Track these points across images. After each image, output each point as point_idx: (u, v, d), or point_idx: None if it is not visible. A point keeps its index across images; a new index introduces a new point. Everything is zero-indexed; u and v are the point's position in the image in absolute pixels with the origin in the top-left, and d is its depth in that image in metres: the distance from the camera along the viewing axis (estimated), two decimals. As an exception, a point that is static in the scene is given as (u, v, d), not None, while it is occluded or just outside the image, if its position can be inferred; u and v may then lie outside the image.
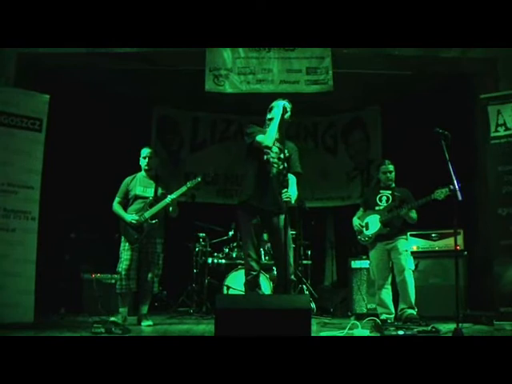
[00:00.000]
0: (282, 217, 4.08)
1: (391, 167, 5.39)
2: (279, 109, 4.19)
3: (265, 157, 4.20)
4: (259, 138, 4.17)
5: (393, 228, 5.21)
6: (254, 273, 4.16)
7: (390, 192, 5.34)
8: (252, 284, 4.21)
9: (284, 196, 3.96)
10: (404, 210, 5.09)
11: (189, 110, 8.16)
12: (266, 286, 5.99)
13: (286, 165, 4.18)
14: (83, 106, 6.47)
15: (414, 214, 5.16)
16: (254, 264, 4.15)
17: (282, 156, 4.19)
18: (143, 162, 5.21)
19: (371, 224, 5.30)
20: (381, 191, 5.39)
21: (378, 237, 5.26)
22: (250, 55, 5.69)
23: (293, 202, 4.07)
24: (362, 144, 8.02)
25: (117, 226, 5.16)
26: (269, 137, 4.14)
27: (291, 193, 4.10)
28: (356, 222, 5.43)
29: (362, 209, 5.56)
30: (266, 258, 6.36)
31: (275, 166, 4.16)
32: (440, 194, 4.74)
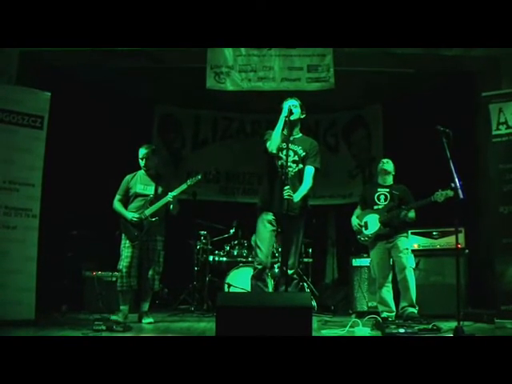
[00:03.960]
0: (297, 219, 4.17)
1: (387, 166, 5.37)
2: (283, 111, 4.20)
3: (278, 162, 4.23)
4: (267, 145, 4.21)
5: (392, 227, 5.20)
6: (260, 266, 4.20)
7: (387, 190, 5.33)
8: (257, 279, 4.24)
9: (285, 194, 3.97)
10: (403, 213, 5.10)
11: (190, 108, 8.16)
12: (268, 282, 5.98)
13: (301, 165, 4.23)
14: (85, 103, 6.47)
15: (412, 214, 5.17)
16: (261, 256, 4.19)
17: (296, 158, 4.22)
18: (141, 163, 5.22)
19: (370, 224, 5.29)
20: (378, 189, 5.38)
21: (378, 236, 5.25)
22: (251, 53, 5.68)
23: (296, 199, 4.08)
24: (363, 142, 8.02)
25: (117, 224, 5.17)
26: (272, 143, 4.17)
27: (304, 185, 4.21)
28: (355, 221, 5.42)
29: (359, 207, 5.55)
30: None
31: (289, 169, 4.16)
32: (440, 196, 4.74)
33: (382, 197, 5.33)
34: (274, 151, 4.17)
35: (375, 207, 5.32)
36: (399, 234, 5.22)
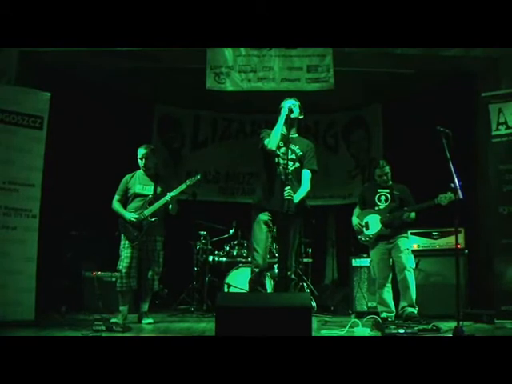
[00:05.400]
0: (294, 218, 4.13)
1: (387, 169, 5.37)
2: (284, 110, 4.20)
3: (275, 159, 4.22)
4: (265, 142, 4.20)
5: (393, 228, 5.20)
6: (257, 269, 4.18)
7: (388, 191, 5.33)
8: (254, 283, 4.22)
9: (286, 194, 3.97)
10: (406, 215, 5.11)
11: (190, 108, 8.16)
12: (267, 283, 5.98)
13: (298, 164, 4.22)
14: (85, 104, 6.47)
15: (413, 214, 5.18)
16: (258, 258, 4.16)
17: (293, 156, 4.21)
18: (140, 163, 5.22)
19: (371, 224, 5.29)
20: (379, 190, 5.37)
21: (379, 237, 5.25)
22: (251, 53, 5.68)
23: (296, 200, 4.08)
24: (363, 143, 8.01)
25: (117, 224, 5.16)
26: (272, 140, 4.15)
27: (302, 188, 4.20)
28: (355, 221, 5.42)
29: (358, 207, 5.55)
30: (268, 256, 6.35)
31: (286, 167, 4.15)
32: (444, 199, 4.74)
33: (383, 198, 5.33)
34: (274, 148, 4.16)
35: (376, 208, 5.31)
36: (400, 234, 5.22)
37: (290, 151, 4.16)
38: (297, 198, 4.10)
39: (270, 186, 4.22)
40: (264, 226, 4.20)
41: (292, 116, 4.21)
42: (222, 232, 6.91)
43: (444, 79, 6.44)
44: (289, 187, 4.00)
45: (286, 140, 4.16)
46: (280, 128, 4.16)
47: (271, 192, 4.19)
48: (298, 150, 4.28)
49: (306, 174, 4.27)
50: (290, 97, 4.38)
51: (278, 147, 4.17)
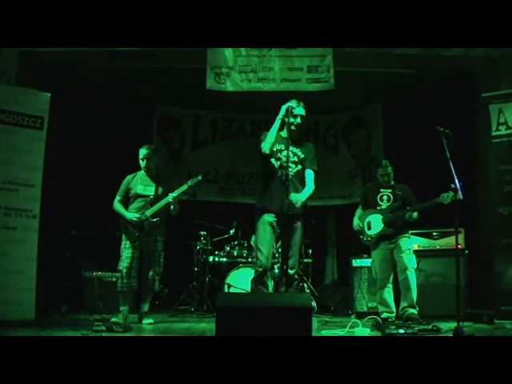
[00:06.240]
0: (297, 218, 4.17)
1: (389, 169, 5.37)
2: (280, 112, 4.19)
3: (277, 162, 4.22)
4: (262, 145, 4.21)
5: (396, 228, 5.20)
6: (260, 269, 4.18)
7: (390, 191, 5.33)
8: (257, 283, 4.22)
9: (292, 198, 3.99)
10: (408, 214, 5.11)
11: (190, 108, 8.15)
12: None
13: (300, 167, 4.23)
14: (85, 103, 6.47)
15: (415, 214, 5.19)
16: (262, 259, 4.17)
17: (295, 159, 4.22)
18: (142, 164, 5.22)
19: (373, 224, 5.29)
20: (381, 190, 5.37)
21: (382, 237, 5.24)
22: (251, 53, 5.68)
23: (298, 204, 4.08)
24: (363, 143, 8.01)
25: (118, 225, 5.16)
26: (266, 144, 4.16)
27: (307, 188, 4.24)
28: (356, 222, 5.42)
29: (360, 207, 5.55)
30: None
31: (289, 169, 4.15)
32: (446, 198, 4.72)
33: (385, 197, 5.32)
34: (267, 151, 4.17)
35: (378, 208, 5.31)
36: (402, 234, 5.22)
37: (291, 154, 4.16)
38: (303, 197, 4.12)
39: (270, 187, 4.24)
40: (268, 227, 4.22)
41: (292, 128, 4.20)
42: (222, 232, 6.91)
43: (444, 79, 6.43)
44: (293, 194, 4.02)
45: (286, 143, 4.15)
46: (275, 131, 4.17)
47: (272, 194, 4.20)
48: (299, 153, 4.29)
49: (310, 175, 4.30)
50: (297, 100, 4.32)
51: (280, 150, 4.19)
